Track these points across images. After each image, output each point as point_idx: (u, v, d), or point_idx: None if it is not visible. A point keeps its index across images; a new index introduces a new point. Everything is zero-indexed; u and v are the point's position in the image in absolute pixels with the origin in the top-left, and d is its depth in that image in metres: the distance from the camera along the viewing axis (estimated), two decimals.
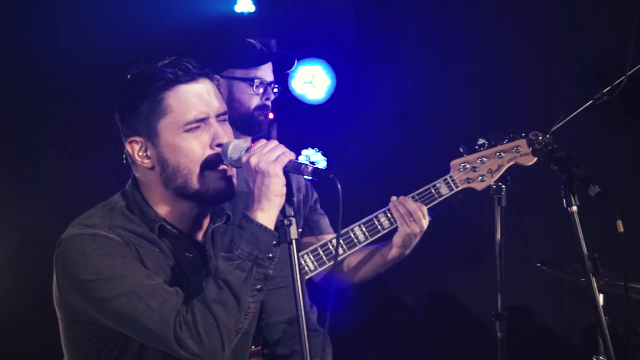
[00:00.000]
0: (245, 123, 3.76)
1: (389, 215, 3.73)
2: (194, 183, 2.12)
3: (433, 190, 3.66)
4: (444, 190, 3.67)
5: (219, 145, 2.13)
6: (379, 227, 3.74)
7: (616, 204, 2.69)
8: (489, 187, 3.63)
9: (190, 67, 2.23)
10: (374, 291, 5.86)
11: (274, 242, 2.04)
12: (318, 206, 4.07)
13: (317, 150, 5.50)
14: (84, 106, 6.04)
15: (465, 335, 5.97)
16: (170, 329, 2.00)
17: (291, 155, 2.08)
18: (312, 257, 3.79)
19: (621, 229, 2.59)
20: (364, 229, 3.77)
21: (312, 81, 5.42)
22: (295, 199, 2.71)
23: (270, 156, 2.04)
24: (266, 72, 3.82)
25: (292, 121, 5.60)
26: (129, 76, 2.24)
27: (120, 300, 2.08)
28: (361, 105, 5.78)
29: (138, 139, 2.16)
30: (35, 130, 6.10)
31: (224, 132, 2.23)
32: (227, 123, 2.33)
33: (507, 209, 4.07)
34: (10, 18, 5.72)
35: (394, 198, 3.68)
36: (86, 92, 5.68)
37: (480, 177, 3.65)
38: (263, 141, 2.13)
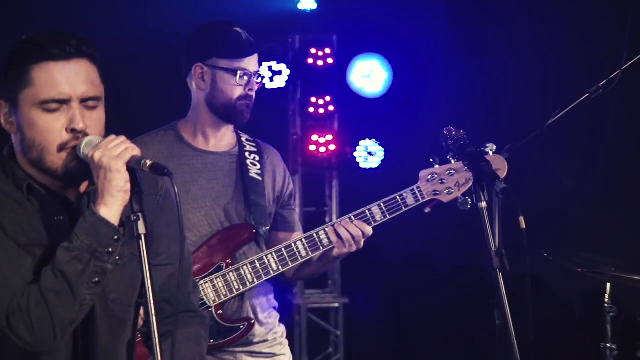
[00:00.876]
0: (227, 112, 3.59)
1: (327, 234, 3.61)
2: (47, 161, 2.03)
3: (399, 200, 3.57)
4: (410, 200, 3.57)
5: (73, 130, 2.01)
6: (319, 244, 3.57)
7: (519, 201, 2.56)
8: (456, 199, 3.48)
9: (68, 45, 2.05)
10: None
11: (115, 237, 1.98)
12: (292, 202, 3.95)
13: (375, 141, 5.66)
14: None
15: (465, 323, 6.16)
16: (3, 313, 1.94)
17: (135, 151, 2.00)
18: (275, 258, 3.64)
19: (523, 225, 2.47)
20: (305, 243, 3.56)
21: (370, 75, 5.67)
22: (150, 196, 2.43)
23: (114, 152, 1.98)
24: (250, 62, 3.60)
25: (351, 113, 5.91)
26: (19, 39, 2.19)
27: None
28: (418, 98, 5.95)
29: (3, 103, 2.09)
30: None
31: (86, 118, 2.07)
32: (98, 109, 2.15)
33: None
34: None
35: (336, 222, 3.57)
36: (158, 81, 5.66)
37: (447, 190, 3.55)
38: (111, 136, 2.06)
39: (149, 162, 1.93)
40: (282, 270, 3.53)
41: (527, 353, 3.19)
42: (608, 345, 3.99)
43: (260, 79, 3.62)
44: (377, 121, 6.09)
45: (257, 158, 3.72)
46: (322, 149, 5.97)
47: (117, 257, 2.03)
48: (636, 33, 3.89)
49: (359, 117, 6.05)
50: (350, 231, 3.37)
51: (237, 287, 3.55)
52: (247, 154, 3.70)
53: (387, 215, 3.49)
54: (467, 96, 6.32)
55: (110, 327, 2.17)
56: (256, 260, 3.54)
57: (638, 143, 6.54)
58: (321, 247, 3.48)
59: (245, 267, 3.57)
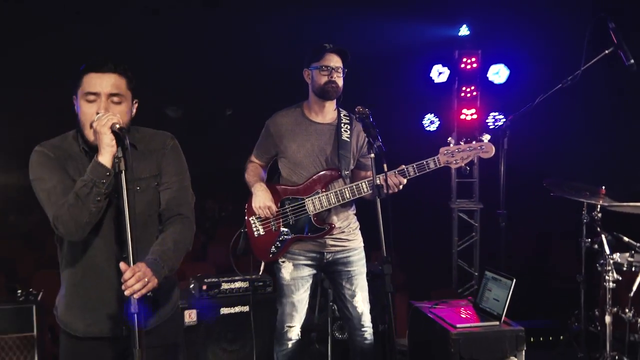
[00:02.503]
0: (321, 92, 4.46)
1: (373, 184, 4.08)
2: (85, 134, 2.76)
3: (425, 164, 4.35)
4: (432, 165, 4.34)
5: (98, 114, 2.70)
6: (377, 186, 4.00)
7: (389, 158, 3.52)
8: (460, 168, 4.40)
9: (105, 65, 2.80)
10: None
11: (107, 174, 2.64)
12: (367, 152, 4.57)
13: (499, 113, 7.34)
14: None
15: None
16: (51, 217, 2.75)
17: (113, 120, 2.68)
18: (348, 189, 4.44)
19: (378, 181, 3.60)
20: (367, 183, 4.33)
21: (498, 73, 7.06)
22: (158, 150, 3.08)
23: (102, 122, 2.66)
24: (331, 60, 4.43)
25: (487, 96, 7.35)
26: None
27: (40, 194, 2.84)
28: (527, 87, 6.66)
29: (74, 97, 2.81)
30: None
31: (111, 108, 2.78)
32: (122, 104, 2.85)
33: None
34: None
35: (388, 173, 4.10)
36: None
37: (455, 161, 4.33)
38: (101, 112, 2.72)
39: (116, 127, 2.65)
40: (364, 194, 4.38)
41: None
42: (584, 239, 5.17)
43: (342, 71, 4.42)
44: (503, 101, 7.31)
45: (349, 127, 4.62)
46: (469, 118, 7.27)
47: (137, 187, 2.89)
48: (599, 36, 4.62)
49: (491, 98, 7.37)
50: (393, 180, 4.27)
51: (325, 204, 4.47)
52: (342, 124, 4.63)
53: (417, 173, 4.35)
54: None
55: (138, 228, 2.77)
56: (339, 190, 4.40)
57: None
58: (377, 188, 3.93)
59: (334, 193, 4.47)
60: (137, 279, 2.61)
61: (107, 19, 9.47)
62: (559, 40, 7.68)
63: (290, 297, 4.58)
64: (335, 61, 4.33)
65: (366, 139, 4.24)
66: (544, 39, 7.95)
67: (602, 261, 4.82)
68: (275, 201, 4.54)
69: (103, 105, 2.71)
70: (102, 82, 2.73)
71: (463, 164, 4.26)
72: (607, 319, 4.62)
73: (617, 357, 4.70)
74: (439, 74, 7.32)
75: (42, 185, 2.83)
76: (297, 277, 4.50)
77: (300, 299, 4.57)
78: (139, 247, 2.72)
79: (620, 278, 4.73)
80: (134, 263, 2.63)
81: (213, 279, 5.37)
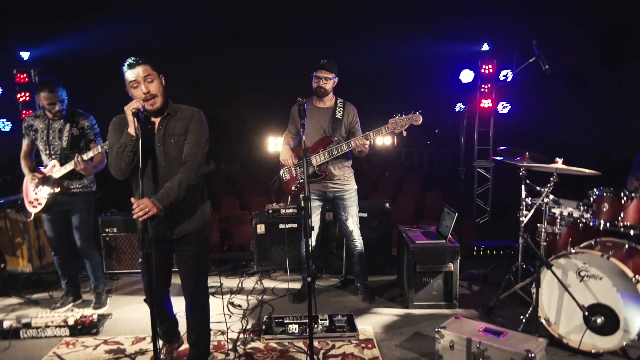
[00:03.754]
0: (315, 92, 5.04)
1: (350, 145, 4.98)
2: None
3: (380, 130, 4.82)
4: (384, 131, 4.75)
5: (145, 94, 3.31)
6: (352, 145, 4.98)
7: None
8: (401, 133, 4.74)
9: (134, 62, 3.29)
10: None
11: (133, 139, 3.19)
12: (356, 127, 5.14)
13: (507, 102, 8.11)
14: None
15: None
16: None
17: (134, 105, 3.25)
18: (342, 146, 5.06)
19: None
20: (350, 143, 5.05)
21: (507, 75, 7.75)
22: (185, 119, 3.61)
23: (128, 107, 3.23)
24: (322, 73, 4.95)
25: (498, 90, 8.13)
26: None
27: (109, 150, 3.41)
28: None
29: (126, 89, 3.31)
30: None
31: (149, 86, 3.34)
32: (155, 82, 3.38)
33: None
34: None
35: (357, 138, 4.97)
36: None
37: (397, 128, 4.74)
38: (146, 91, 3.32)
39: (133, 110, 3.25)
40: (350, 149, 5.00)
41: None
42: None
43: (330, 79, 4.99)
44: (509, 94, 8.36)
45: (342, 109, 5.04)
46: (486, 106, 8.29)
47: (172, 141, 3.49)
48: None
49: (501, 93, 8.38)
50: (358, 142, 4.83)
51: (324, 159, 5.03)
52: (337, 108, 5.04)
53: (375, 136, 4.83)
54: None
55: (170, 169, 3.49)
56: (334, 148, 4.99)
57: None
58: (353, 146, 4.95)
59: (327, 152, 4.98)
60: (140, 209, 3.21)
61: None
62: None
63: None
64: (323, 74, 4.89)
65: (356, 117, 4.99)
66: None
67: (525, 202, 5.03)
68: (295, 157, 5.21)
69: (144, 86, 3.30)
70: (137, 72, 3.29)
71: (402, 130, 4.69)
72: (521, 240, 5.09)
73: (524, 266, 5.12)
74: (467, 76, 8.52)
75: (110, 143, 3.53)
76: (312, 206, 5.09)
77: (314, 220, 5.25)
78: (172, 174, 3.50)
79: (530, 213, 5.08)
80: (156, 194, 3.35)
81: (275, 207, 6.29)
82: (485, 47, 8.16)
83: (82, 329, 4.81)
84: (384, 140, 12.32)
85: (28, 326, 4.78)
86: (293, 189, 5.12)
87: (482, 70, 8.13)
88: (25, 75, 8.99)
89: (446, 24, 10.04)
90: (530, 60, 5.28)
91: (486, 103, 8.12)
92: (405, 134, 4.64)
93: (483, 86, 8.19)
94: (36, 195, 5.16)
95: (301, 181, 5.02)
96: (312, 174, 4.99)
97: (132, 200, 3.19)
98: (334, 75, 4.85)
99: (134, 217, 3.14)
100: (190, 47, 11.68)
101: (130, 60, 3.25)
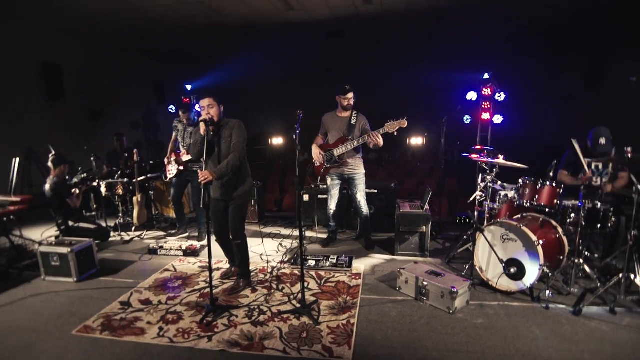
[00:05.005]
0: (343, 108, 4.95)
1: (360, 141, 4.84)
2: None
3: (381, 130, 4.60)
4: (382, 131, 4.57)
5: (207, 114, 3.49)
6: (367, 140, 4.82)
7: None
8: (392, 133, 4.56)
9: (204, 96, 3.45)
10: None
11: (203, 136, 3.37)
12: (367, 128, 4.96)
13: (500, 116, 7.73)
14: None
15: None
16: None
17: (204, 117, 3.49)
18: (357, 141, 4.90)
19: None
20: (364, 138, 4.85)
21: (501, 96, 8.23)
22: (229, 127, 3.77)
23: (201, 117, 3.51)
24: (348, 95, 4.89)
25: (494, 105, 7.84)
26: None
27: (193, 142, 3.64)
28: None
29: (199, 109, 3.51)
30: None
31: (210, 111, 3.55)
32: (214, 108, 3.59)
33: None
34: None
35: (371, 134, 4.77)
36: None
37: (389, 129, 4.58)
38: (206, 113, 3.57)
39: (201, 120, 3.45)
40: (359, 144, 4.87)
41: None
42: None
43: (353, 98, 4.89)
44: (502, 109, 7.80)
45: (355, 118, 4.94)
46: (486, 118, 7.75)
47: (224, 141, 3.62)
48: None
49: (496, 108, 7.70)
50: (375, 137, 4.65)
51: (342, 151, 4.95)
52: (352, 117, 4.94)
53: (381, 133, 4.66)
54: None
55: (222, 156, 3.62)
56: (349, 143, 4.92)
57: None
58: (368, 140, 4.77)
59: (345, 145, 4.93)
60: (203, 176, 3.52)
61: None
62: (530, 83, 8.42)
63: (330, 192, 5.34)
64: (350, 96, 4.89)
65: (366, 123, 4.93)
66: (524, 80, 8.88)
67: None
68: (321, 152, 5.21)
69: (206, 110, 3.64)
70: (203, 102, 3.64)
71: (394, 130, 4.59)
72: (475, 214, 5.14)
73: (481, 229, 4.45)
74: (472, 96, 8.15)
75: (193, 138, 3.75)
76: (333, 184, 5.27)
77: (334, 194, 5.30)
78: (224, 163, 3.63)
79: (477, 193, 5.18)
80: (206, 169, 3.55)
81: (313, 185, 6.45)
82: (486, 76, 7.86)
83: (189, 252, 5.32)
84: (417, 141, 12.18)
85: (162, 248, 5.41)
86: (322, 171, 5.19)
87: (483, 92, 7.76)
88: (187, 100, 10.07)
89: (459, 60, 10.17)
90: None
91: (485, 116, 7.78)
92: (395, 133, 4.56)
93: (483, 103, 7.80)
94: (170, 168, 5.82)
95: (327, 166, 5.12)
96: (333, 161, 5.04)
97: (199, 171, 3.58)
98: (353, 95, 4.86)
99: (199, 181, 3.53)
100: (296, 79, 12.20)
101: (201, 95, 3.68)
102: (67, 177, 5.37)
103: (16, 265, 4.69)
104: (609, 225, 3.95)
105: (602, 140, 4.28)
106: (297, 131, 3.55)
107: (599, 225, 3.98)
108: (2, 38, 7.09)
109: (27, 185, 6.99)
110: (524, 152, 6.34)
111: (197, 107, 4.82)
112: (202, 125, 3.47)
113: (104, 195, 6.16)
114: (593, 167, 4.41)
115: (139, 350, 3.12)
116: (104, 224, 5.90)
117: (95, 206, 6.61)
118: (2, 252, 5.07)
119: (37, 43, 7.73)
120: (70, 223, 5.33)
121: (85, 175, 5.58)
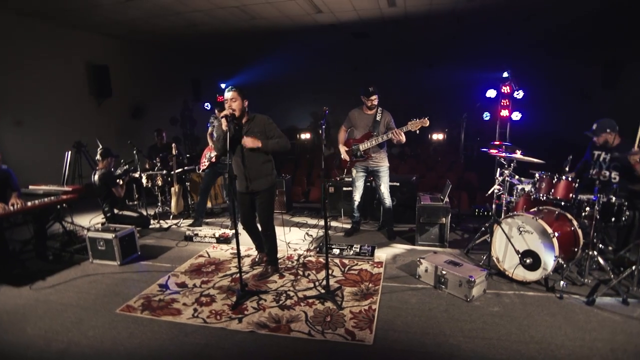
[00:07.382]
0: (368, 107, 4.86)
1: (384, 137, 4.70)
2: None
3: (404, 127, 4.56)
4: (404, 129, 4.54)
5: (229, 108, 3.25)
6: (391, 136, 4.68)
7: None
8: (415, 131, 4.54)
9: (228, 89, 3.22)
10: None
11: (225, 131, 3.14)
12: (392, 125, 4.84)
13: (519, 113, 7.36)
14: None
15: None
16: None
17: (226, 112, 3.21)
18: (383, 136, 4.82)
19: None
20: (387, 135, 4.75)
21: (519, 93, 7.80)
22: (260, 124, 3.63)
23: (223, 113, 3.20)
24: (372, 97, 4.79)
25: (513, 102, 7.44)
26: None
27: (216, 138, 3.42)
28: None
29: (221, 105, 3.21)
30: None
31: (231, 105, 3.34)
32: (237, 102, 3.35)
33: None
34: None
35: (394, 130, 4.64)
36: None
37: (412, 127, 4.55)
38: (229, 108, 3.31)
39: (221, 115, 3.15)
40: (384, 140, 4.80)
41: None
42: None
43: (377, 99, 4.77)
44: (520, 106, 7.41)
45: (380, 114, 4.86)
46: (505, 114, 7.43)
47: (251, 136, 3.40)
48: None
49: (515, 105, 7.43)
50: (398, 135, 4.59)
51: (367, 146, 4.89)
52: (377, 113, 4.87)
53: (404, 131, 4.59)
54: None
55: (248, 151, 3.47)
56: (374, 139, 4.82)
57: None
58: (386, 138, 4.71)
59: (369, 141, 4.83)
60: (250, 142, 3.51)
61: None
62: (548, 81, 8.14)
63: (355, 184, 5.28)
64: (374, 97, 4.82)
65: (390, 119, 4.84)
66: (542, 78, 8.51)
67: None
68: (348, 146, 5.15)
69: (228, 103, 3.46)
70: (227, 95, 3.45)
71: (416, 129, 4.57)
72: (493, 206, 4.93)
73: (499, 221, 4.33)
74: (491, 93, 7.92)
75: (216, 133, 3.59)
76: (358, 176, 5.20)
77: (359, 185, 5.24)
78: (251, 156, 3.58)
79: (495, 187, 4.99)
80: (240, 166, 3.50)
81: (338, 177, 6.38)
82: (505, 74, 7.59)
83: (221, 240, 5.31)
84: (438, 136, 11.94)
85: (197, 235, 5.39)
86: (348, 164, 5.17)
87: (502, 90, 7.50)
88: (221, 98, 9.84)
89: (479, 59, 9.82)
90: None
91: (504, 113, 7.49)
92: (417, 132, 4.56)
93: (502, 101, 7.51)
94: (204, 160, 5.86)
95: (353, 159, 5.08)
96: (359, 155, 5.01)
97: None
98: (377, 97, 4.81)
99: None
100: (325, 77, 11.92)
101: (227, 87, 3.52)
102: (113, 169, 5.37)
103: (68, 249, 4.83)
104: (623, 218, 3.85)
105: (594, 126, 4.25)
106: (323, 127, 3.47)
107: (613, 219, 3.87)
108: (59, 44, 7.33)
109: (77, 176, 7.18)
110: (542, 147, 6.10)
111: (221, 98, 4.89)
112: (223, 122, 3.35)
113: (144, 186, 6.20)
114: (601, 159, 4.35)
115: (175, 329, 3.18)
116: (144, 213, 5.96)
117: (137, 196, 6.63)
118: (55, 237, 5.21)
119: (87, 47, 7.93)
120: (115, 211, 5.36)
121: (127, 167, 5.64)
